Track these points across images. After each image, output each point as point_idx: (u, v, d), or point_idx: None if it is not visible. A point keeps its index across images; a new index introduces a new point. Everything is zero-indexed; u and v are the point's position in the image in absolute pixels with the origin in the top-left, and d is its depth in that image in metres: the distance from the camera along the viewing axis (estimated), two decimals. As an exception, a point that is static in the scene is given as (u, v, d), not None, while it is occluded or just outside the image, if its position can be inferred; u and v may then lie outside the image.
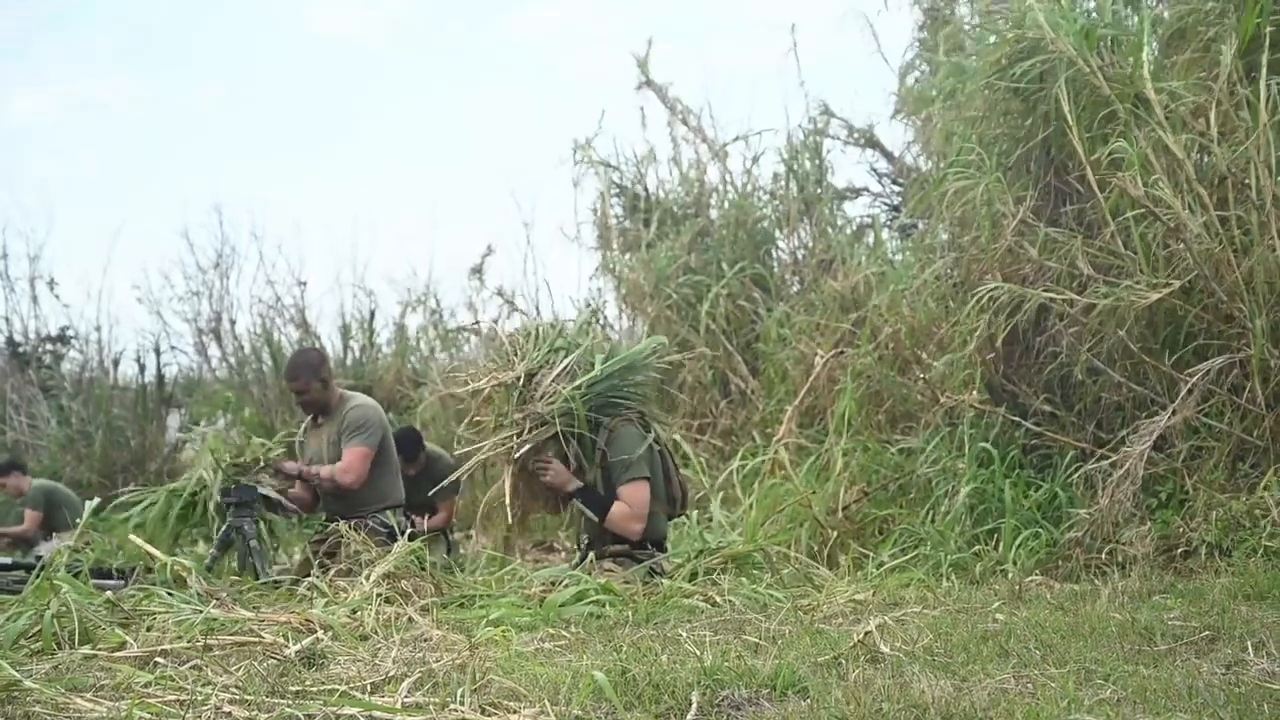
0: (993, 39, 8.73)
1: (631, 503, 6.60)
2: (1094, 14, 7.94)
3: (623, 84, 14.20)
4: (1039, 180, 7.91)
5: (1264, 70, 6.90)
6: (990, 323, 7.60)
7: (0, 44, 28.43)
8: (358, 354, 16.89)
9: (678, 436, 10.28)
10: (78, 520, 9.94)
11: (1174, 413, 6.64)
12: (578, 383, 6.59)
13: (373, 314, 16.89)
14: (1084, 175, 7.39)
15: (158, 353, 16.90)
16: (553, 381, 6.61)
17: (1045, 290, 7.30)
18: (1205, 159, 7.19)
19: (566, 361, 6.67)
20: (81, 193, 27.69)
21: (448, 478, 9.31)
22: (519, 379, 6.63)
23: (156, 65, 28.90)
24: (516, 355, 6.78)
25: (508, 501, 6.70)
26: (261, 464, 7.71)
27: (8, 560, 8.21)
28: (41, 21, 28.58)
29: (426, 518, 9.03)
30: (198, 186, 32.85)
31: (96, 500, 7.48)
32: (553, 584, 6.21)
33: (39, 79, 29.22)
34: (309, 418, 8.07)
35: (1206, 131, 7.00)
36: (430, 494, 8.52)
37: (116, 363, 17.62)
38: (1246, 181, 6.75)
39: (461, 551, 9.67)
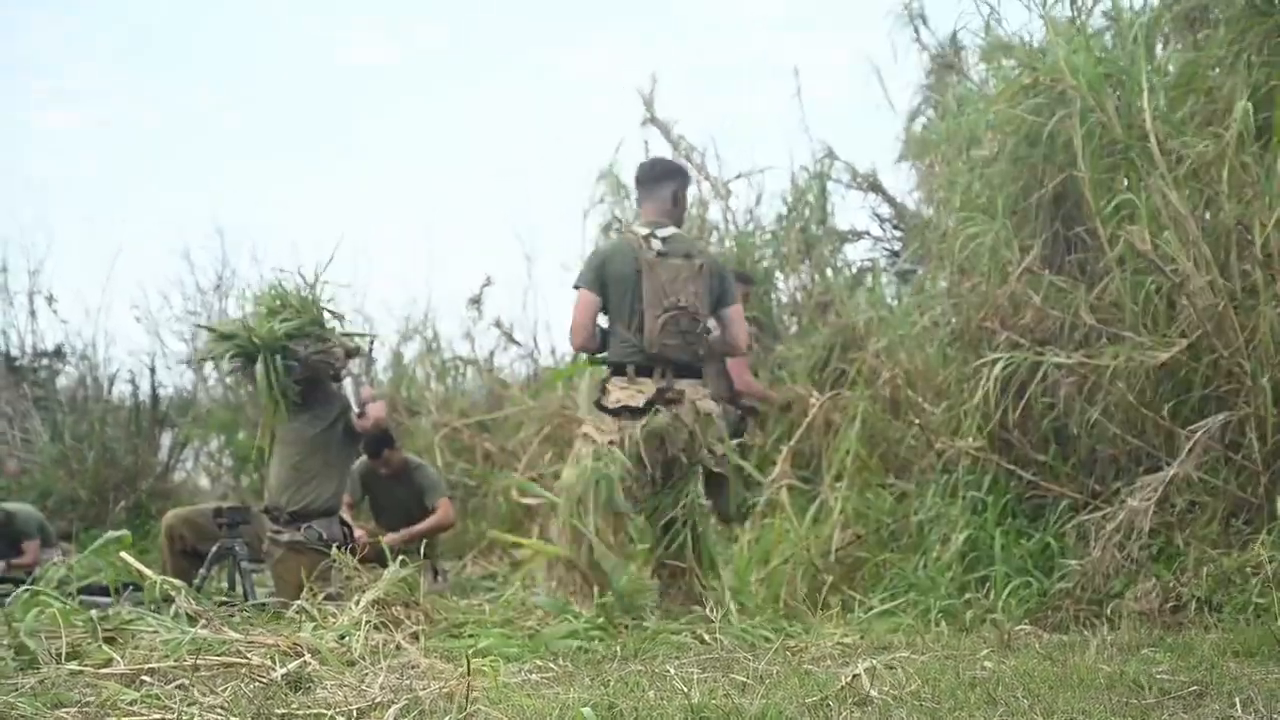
0: (996, 83, 8.77)
1: None
2: (1110, 52, 7.91)
3: (630, 126, 14.15)
4: (1045, 228, 7.90)
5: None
6: (995, 395, 7.57)
7: (29, 60, 28.44)
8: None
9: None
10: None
11: (1176, 468, 6.62)
12: None
13: (372, 342, 16.85)
14: (1091, 225, 7.41)
15: (152, 372, 16.88)
16: None
17: (1053, 355, 7.27)
18: (1211, 214, 7.20)
19: None
20: (87, 209, 27.72)
21: (430, 487, 9.26)
22: None
23: (177, 86, 28.88)
24: None
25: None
26: None
27: None
28: (67, 40, 28.64)
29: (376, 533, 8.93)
30: (203, 210, 32.85)
31: (124, 532, 7.52)
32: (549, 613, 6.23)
33: (65, 98, 29.22)
34: None
35: (1216, 184, 7.01)
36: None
37: (112, 380, 17.61)
38: (1249, 238, 6.77)
39: (447, 579, 9.59)
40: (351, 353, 7.73)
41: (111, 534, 7.42)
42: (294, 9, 30.19)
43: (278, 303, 7.50)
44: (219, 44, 27.03)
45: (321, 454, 7.53)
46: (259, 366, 7.25)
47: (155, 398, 16.76)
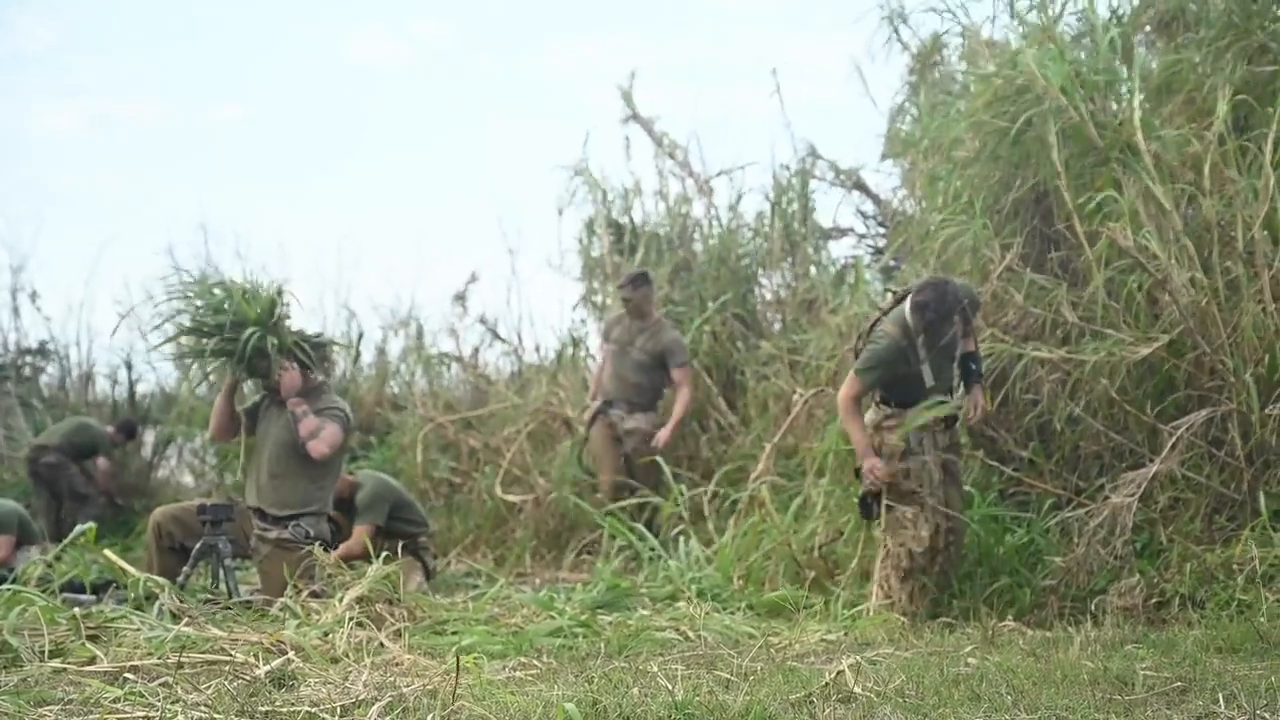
0: (974, 85, 8.78)
1: None
2: (1085, 57, 7.96)
3: (619, 121, 13.98)
4: (1026, 225, 7.92)
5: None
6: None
7: (29, 54, 28.21)
8: (339, 375, 16.79)
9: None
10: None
11: (1159, 464, 6.63)
12: None
13: (360, 338, 16.75)
14: (1071, 224, 7.43)
15: (129, 367, 16.77)
16: None
17: (1034, 348, 7.29)
18: (1193, 210, 7.23)
19: None
20: (81, 206, 27.51)
21: (362, 509, 8.99)
22: None
23: (175, 82, 28.57)
24: None
25: None
26: None
27: None
28: (75, 37, 28.42)
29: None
30: (195, 206, 32.62)
31: (90, 524, 7.47)
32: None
33: (63, 95, 28.95)
34: None
35: (1198, 182, 7.04)
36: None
37: (91, 377, 17.47)
38: (1232, 234, 6.80)
39: (433, 577, 9.53)
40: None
41: (80, 527, 7.39)
42: (294, 5, 30.07)
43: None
44: (217, 39, 26.88)
45: (298, 455, 7.49)
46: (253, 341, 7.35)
47: (133, 394, 16.67)
